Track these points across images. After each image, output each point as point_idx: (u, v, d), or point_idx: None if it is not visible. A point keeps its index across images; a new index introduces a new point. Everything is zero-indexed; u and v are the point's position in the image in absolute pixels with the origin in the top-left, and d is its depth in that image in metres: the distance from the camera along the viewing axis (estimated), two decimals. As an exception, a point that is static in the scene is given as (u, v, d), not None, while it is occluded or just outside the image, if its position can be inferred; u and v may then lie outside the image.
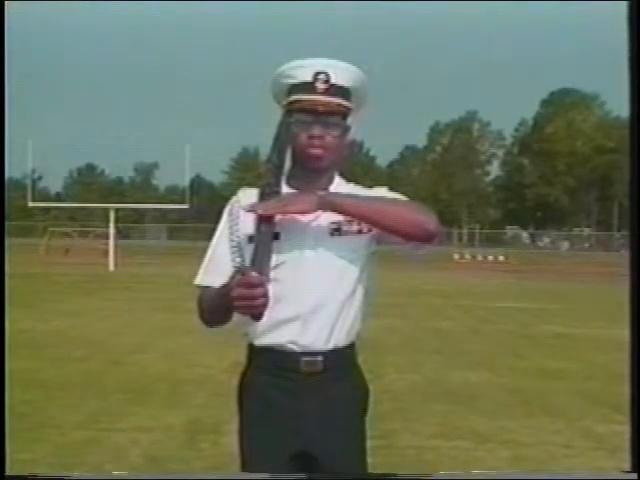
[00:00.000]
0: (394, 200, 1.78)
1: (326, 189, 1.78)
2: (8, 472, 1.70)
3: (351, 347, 1.82)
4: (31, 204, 29.02)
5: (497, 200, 74.79)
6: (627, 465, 1.60)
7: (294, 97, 1.75)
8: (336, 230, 1.77)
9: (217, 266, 1.79)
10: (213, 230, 1.86)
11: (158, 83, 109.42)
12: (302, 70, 1.74)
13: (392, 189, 1.84)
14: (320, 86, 1.73)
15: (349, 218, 1.75)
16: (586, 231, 62.46)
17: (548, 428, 4.84)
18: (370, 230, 1.78)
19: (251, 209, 1.69)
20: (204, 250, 1.86)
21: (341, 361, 1.79)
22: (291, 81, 1.76)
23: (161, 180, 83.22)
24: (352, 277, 1.78)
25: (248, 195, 1.79)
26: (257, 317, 1.60)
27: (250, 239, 1.74)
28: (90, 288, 15.93)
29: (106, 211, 27.72)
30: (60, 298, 13.38)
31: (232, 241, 1.80)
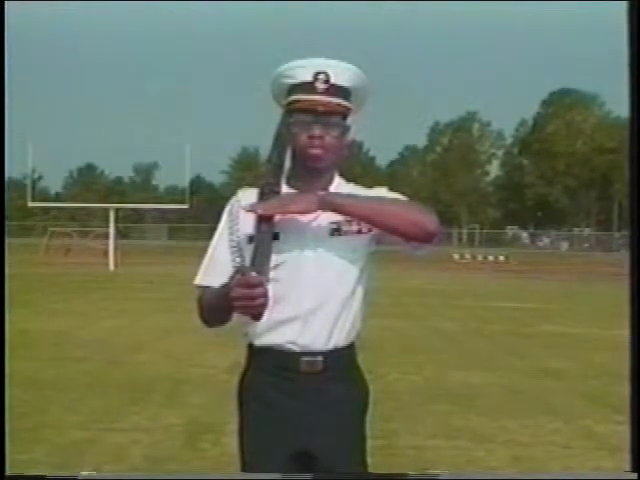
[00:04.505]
0: (394, 200, 1.78)
1: (326, 189, 1.78)
2: (8, 472, 1.70)
3: (351, 347, 1.82)
4: (31, 204, 29.04)
5: (497, 200, 74.68)
6: (627, 465, 1.60)
7: (294, 97, 1.75)
8: (336, 230, 1.77)
9: (217, 266, 1.79)
10: (213, 230, 1.86)
11: (158, 83, 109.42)
12: (302, 70, 1.74)
13: (392, 189, 1.84)
14: (320, 86, 1.73)
15: (349, 218, 1.75)
16: (586, 231, 62.39)
17: (548, 428, 4.84)
18: (370, 230, 1.78)
19: (251, 209, 1.69)
20: (204, 250, 1.86)
21: (341, 361, 1.79)
22: (291, 81, 1.76)
23: (161, 180, 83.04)
24: (352, 277, 1.78)
25: (248, 195, 1.80)
26: (257, 317, 1.60)
27: (250, 239, 1.74)
28: (90, 288, 15.93)
29: (106, 211, 27.74)
30: (60, 298, 13.38)
31: (232, 241, 1.79)
